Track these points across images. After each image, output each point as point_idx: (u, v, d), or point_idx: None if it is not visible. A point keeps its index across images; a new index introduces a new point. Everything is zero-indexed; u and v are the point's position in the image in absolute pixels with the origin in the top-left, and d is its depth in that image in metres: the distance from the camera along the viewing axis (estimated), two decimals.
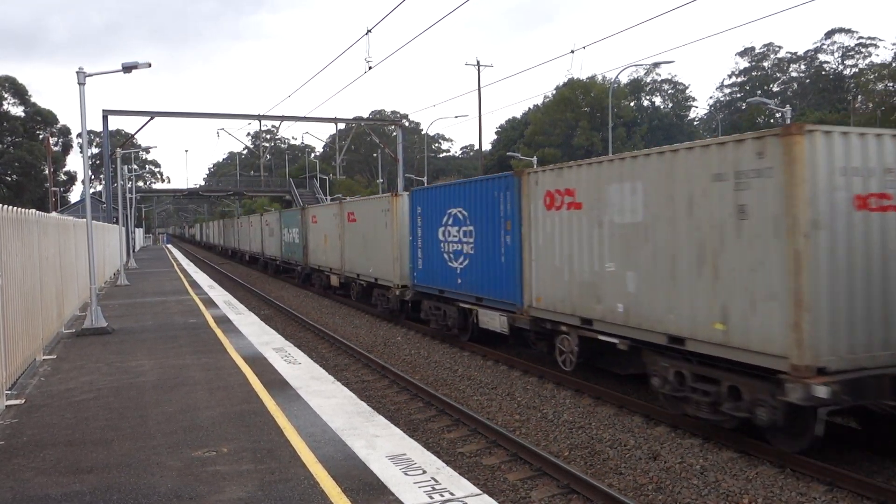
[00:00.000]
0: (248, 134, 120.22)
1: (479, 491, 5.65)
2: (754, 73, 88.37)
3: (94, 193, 66.52)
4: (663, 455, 9.05)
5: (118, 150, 37.53)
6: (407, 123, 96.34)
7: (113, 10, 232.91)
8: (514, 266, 13.74)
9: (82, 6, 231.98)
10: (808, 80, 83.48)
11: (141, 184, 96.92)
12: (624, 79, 79.85)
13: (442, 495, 5.56)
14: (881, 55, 78.34)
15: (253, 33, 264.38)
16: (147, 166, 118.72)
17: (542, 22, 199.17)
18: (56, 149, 79.65)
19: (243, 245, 53.06)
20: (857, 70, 77.78)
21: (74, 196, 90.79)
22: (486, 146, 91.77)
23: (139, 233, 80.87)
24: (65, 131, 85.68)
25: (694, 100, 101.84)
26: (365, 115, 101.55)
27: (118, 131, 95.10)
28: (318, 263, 29.69)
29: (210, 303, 20.26)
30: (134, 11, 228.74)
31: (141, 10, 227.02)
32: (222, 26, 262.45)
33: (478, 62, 47.68)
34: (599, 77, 75.34)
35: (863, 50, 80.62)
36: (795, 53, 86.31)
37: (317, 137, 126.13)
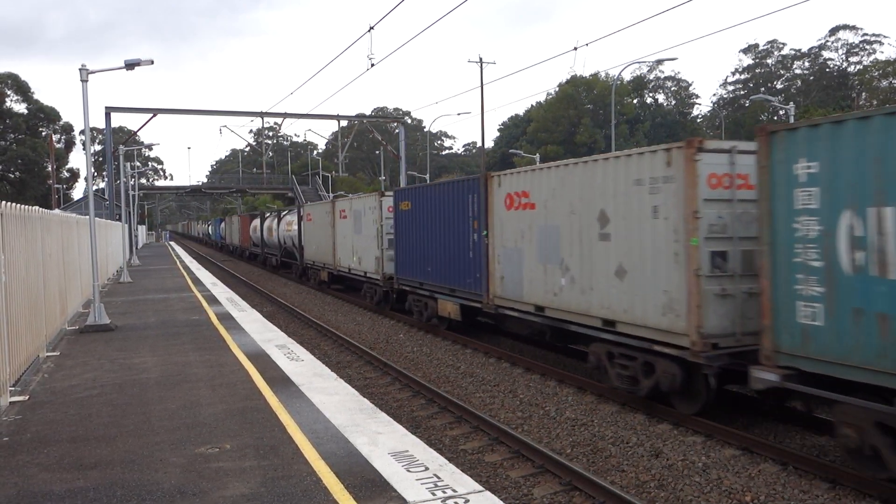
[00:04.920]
0: (251, 131, 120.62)
1: (481, 488, 5.67)
2: (758, 71, 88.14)
3: (96, 190, 66.56)
4: (665, 452, 9.06)
5: (121, 147, 37.58)
6: (409, 121, 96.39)
7: (109, 6, 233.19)
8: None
9: (78, 2, 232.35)
10: (812, 78, 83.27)
11: (143, 181, 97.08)
12: (627, 76, 79.85)
13: (444, 492, 5.57)
14: (885, 52, 78.15)
15: (251, 30, 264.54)
16: (149, 163, 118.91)
17: (541, 19, 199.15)
18: (59, 146, 79.77)
19: None
20: (861, 67, 77.59)
21: (77, 193, 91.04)
22: (489, 143, 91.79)
23: (142, 230, 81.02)
24: (67, 128, 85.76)
25: (697, 97, 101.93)
26: (367, 113, 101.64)
27: (120, 128, 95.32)
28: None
29: (212, 300, 20.29)
30: (129, 8, 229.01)
31: (136, 6, 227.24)
32: (218, 23, 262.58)
33: (480, 59, 47.49)
34: (602, 74, 75.40)
35: (867, 47, 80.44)
36: (799, 50, 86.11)
37: (319, 135, 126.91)
